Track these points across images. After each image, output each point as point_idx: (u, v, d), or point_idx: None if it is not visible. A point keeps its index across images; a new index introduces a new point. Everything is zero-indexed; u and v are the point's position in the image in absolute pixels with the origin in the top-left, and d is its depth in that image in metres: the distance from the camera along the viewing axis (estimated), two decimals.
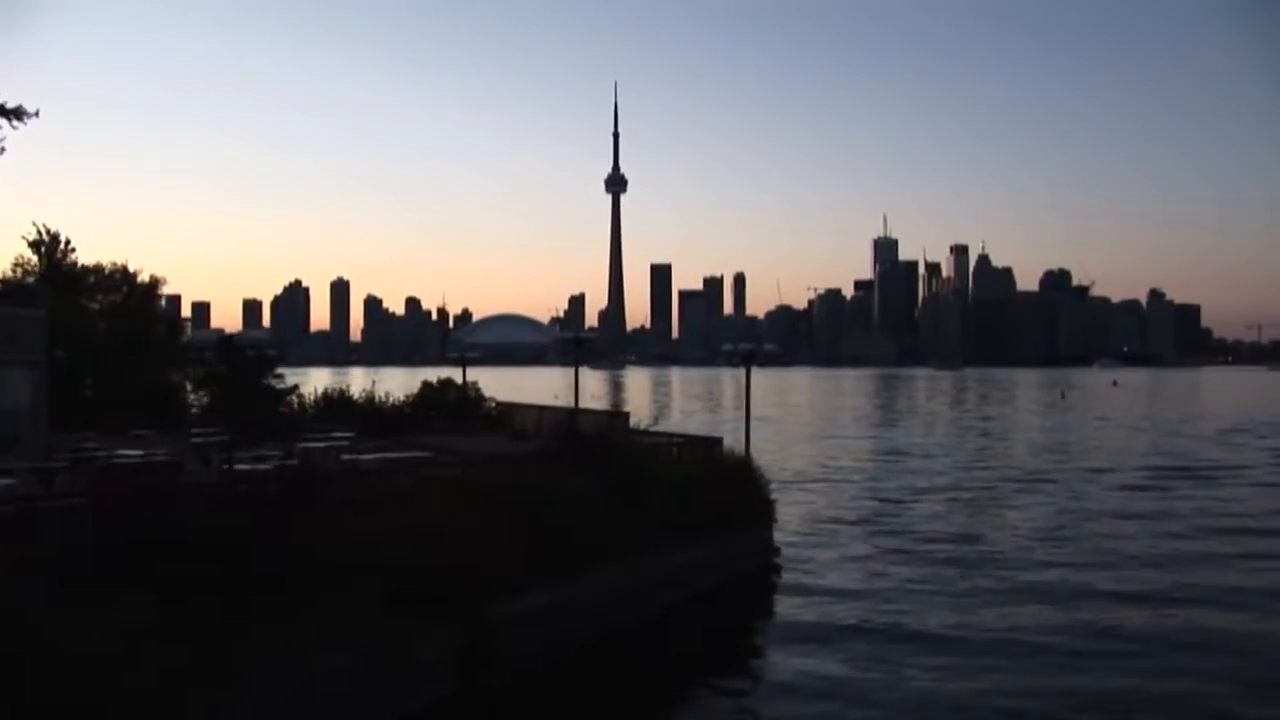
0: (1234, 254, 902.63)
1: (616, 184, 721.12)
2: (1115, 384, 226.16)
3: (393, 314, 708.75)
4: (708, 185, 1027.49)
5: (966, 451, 65.54)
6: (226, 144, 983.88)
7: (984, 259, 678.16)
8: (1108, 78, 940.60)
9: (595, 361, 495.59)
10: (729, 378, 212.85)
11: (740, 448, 32.47)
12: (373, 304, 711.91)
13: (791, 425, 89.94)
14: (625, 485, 23.37)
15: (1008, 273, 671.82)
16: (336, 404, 43.10)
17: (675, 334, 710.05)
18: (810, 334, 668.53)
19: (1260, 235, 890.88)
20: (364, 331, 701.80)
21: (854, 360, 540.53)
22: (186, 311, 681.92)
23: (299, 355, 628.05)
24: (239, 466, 23.88)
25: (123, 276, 51.95)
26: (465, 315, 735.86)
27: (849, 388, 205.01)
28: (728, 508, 26.94)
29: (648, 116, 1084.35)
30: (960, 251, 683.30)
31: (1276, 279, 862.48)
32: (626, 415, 39.18)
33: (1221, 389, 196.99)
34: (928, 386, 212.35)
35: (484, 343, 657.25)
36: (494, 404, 47.30)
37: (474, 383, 48.10)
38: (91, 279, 50.88)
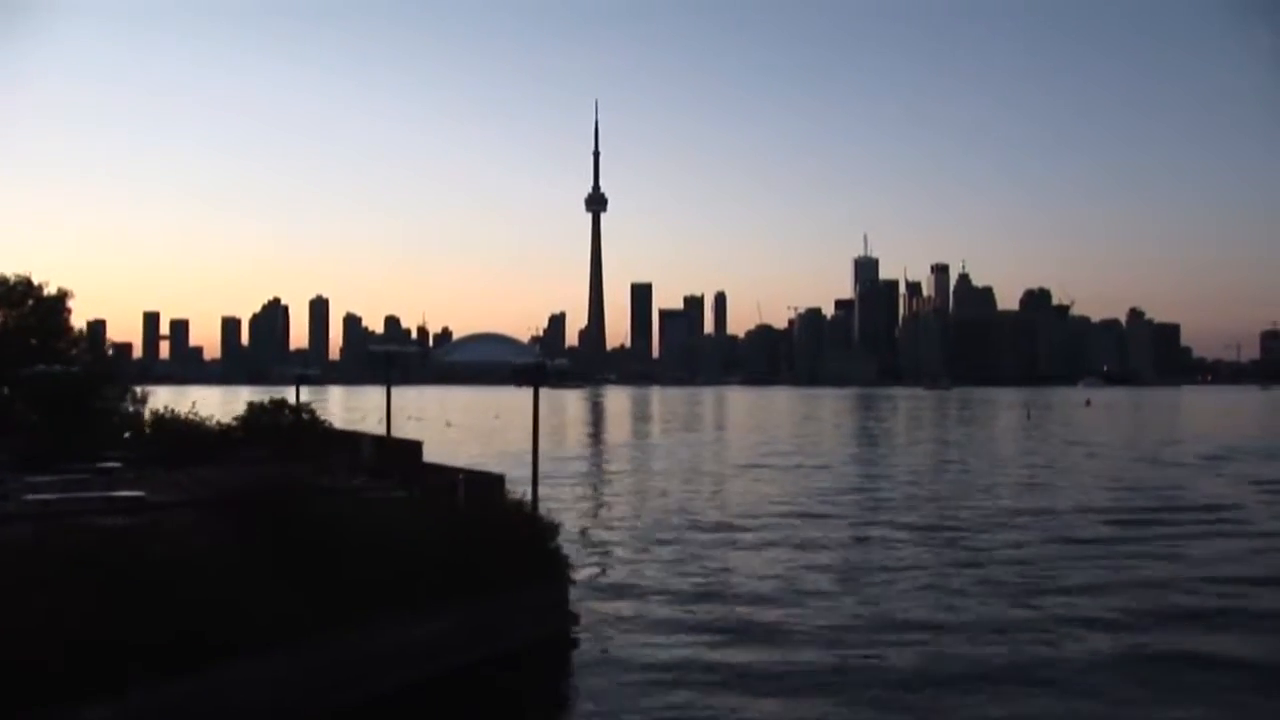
0: (1213, 273, 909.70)
1: (597, 203, 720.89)
2: (1088, 403, 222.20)
3: (372, 332, 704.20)
4: (688, 204, 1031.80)
5: (886, 488, 55.29)
6: (205, 161, 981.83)
7: (964, 278, 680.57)
8: (1087, 98, 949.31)
9: (569, 382, 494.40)
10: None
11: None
12: (352, 322, 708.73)
13: (713, 452, 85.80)
14: (310, 547, 18.82)
15: (988, 292, 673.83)
16: (166, 425, 39.48)
17: (656, 353, 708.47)
18: (791, 353, 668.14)
19: (1240, 254, 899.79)
20: (343, 350, 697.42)
21: (835, 379, 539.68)
22: (165, 329, 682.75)
23: (277, 374, 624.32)
24: None
25: (26, 289, 48.60)
26: (445, 334, 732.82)
27: (805, 408, 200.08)
28: (491, 566, 21.68)
29: (628, 135, 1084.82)
30: (941, 271, 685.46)
31: (1256, 298, 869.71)
32: (419, 445, 34.14)
33: (1199, 409, 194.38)
34: (898, 406, 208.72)
35: (463, 361, 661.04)
36: (331, 427, 43.00)
37: (308, 403, 44.09)
38: None
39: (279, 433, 39.44)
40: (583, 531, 39.43)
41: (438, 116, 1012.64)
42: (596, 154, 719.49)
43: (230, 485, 21.56)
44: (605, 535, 39.03)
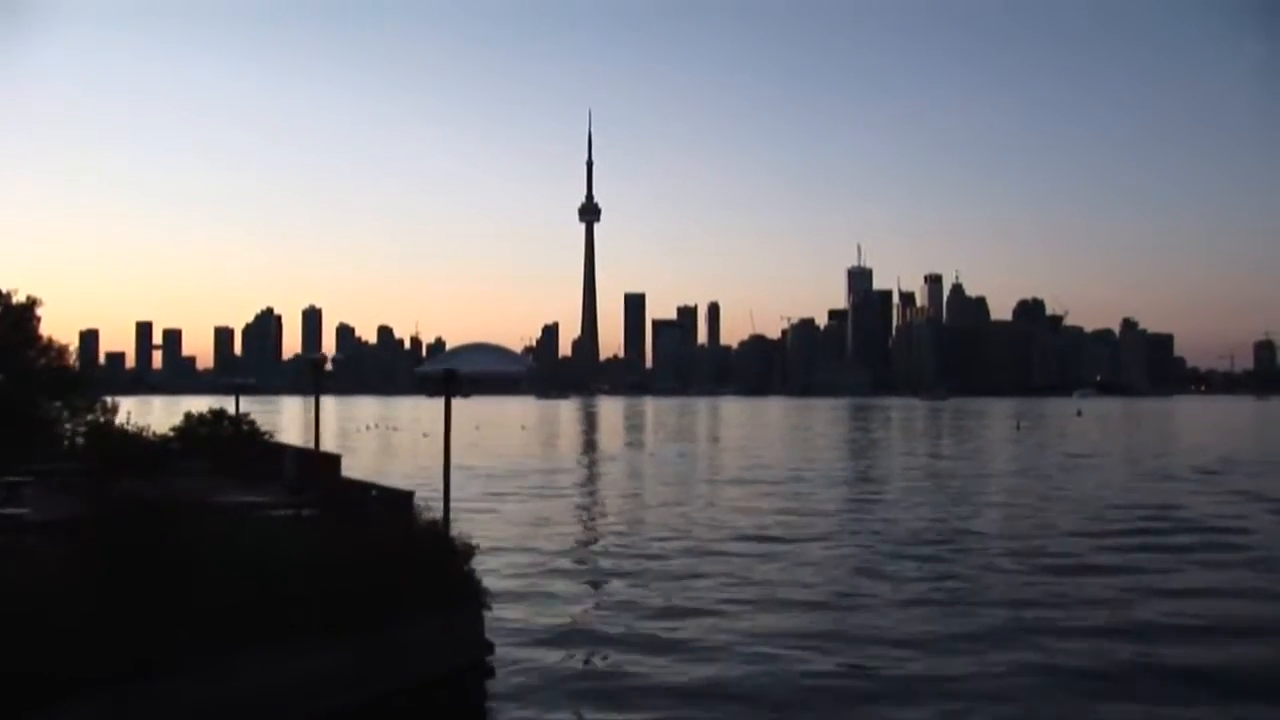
0: (1207, 284, 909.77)
1: (590, 213, 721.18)
2: (1079, 414, 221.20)
3: (365, 342, 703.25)
4: (682, 214, 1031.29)
5: (852, 509, 52.05)
6: (198, 171, 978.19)
7: (958, 288, 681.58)
8: (1081, 108, 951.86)
9: (560, 392, 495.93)
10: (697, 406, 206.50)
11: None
12: (345, 332, 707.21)
13: (692, 463, 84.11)
14: (174, 572, 16.93)
15: (981, 302, 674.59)
16: (104, 437, 37.87)
17: (649, 363, 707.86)
18: (784, 364, 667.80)
19: (1233, 265, 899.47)
20: (335, 360, 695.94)
21: (828, 390, 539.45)
22: (158, 338, 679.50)
23: (270, 384, 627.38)
24: None
25: None
26: (438, 344, 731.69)
27: (796, 419, 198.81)
28: (392, 591, 19.74)
29: (622, 145, 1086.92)
30: (934, 281, 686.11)
31: (1249, 309, 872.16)
32: (338, 459, 32.72)
33: (1193, 420, 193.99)
34: (890, 418, 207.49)
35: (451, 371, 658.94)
36: (268, 440, 41.37)
37: (247, 414, 42.42)
38: None
39: (215, 445, 38.02)
40: (524, 550, 37.85)
41: (431, 126, 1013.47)
42: (590, 164, 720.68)
43: (101, 504, 19.63)
44: (548, 558, 36.88)
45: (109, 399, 41.84)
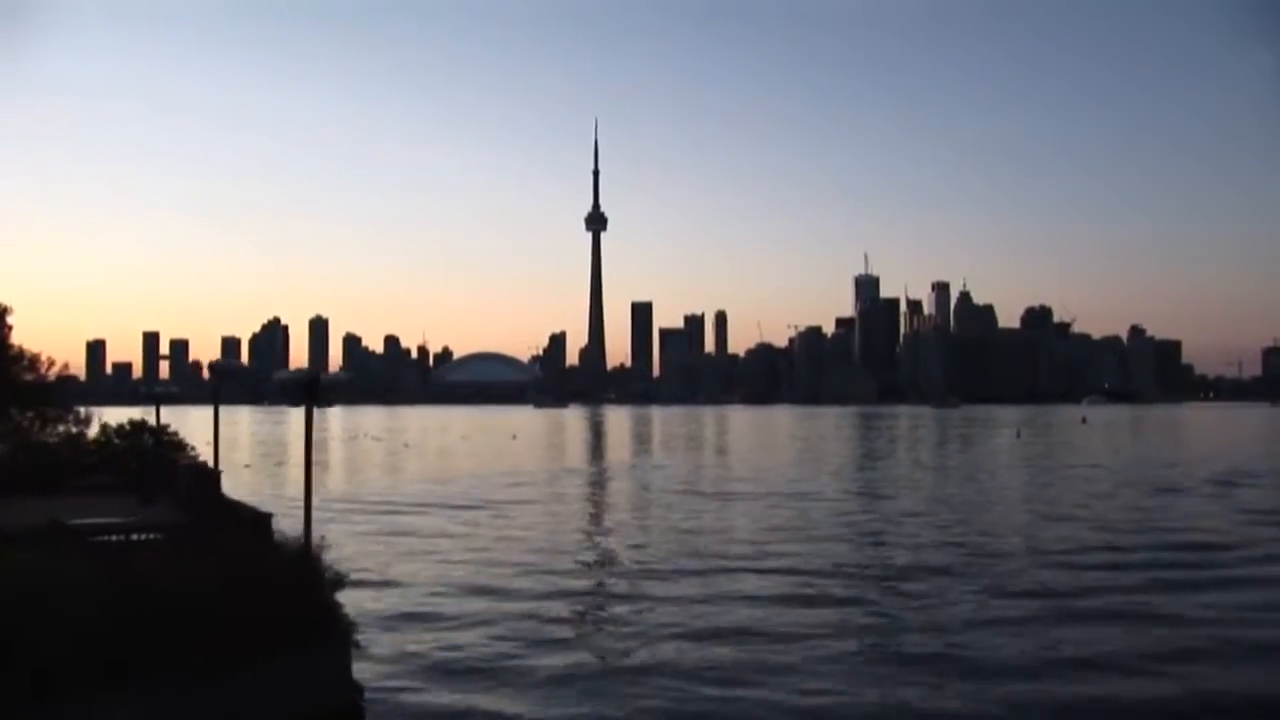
0: (1214, 290, 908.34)
1: (597, 222, 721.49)
2: (1084, 421, 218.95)
3: (372, 352, 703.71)
4: (689, 223, 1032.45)
5: (814, 523, 49.97)
6: (205, 181, 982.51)
7: (965, 296, 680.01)
8: (1088, 116, 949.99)
9: (558, 401, 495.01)
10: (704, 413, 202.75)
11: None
12: (351, 342, 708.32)
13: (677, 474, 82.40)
14: None
15: (989, 310, 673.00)
16: (31, 448, 36.82)
17: (656, 372, 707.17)
18: (791, 372, 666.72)
19: (1240, 271, 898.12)
20: (342, 369, 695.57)
21: (835, 398, 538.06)
22: (165, 348, 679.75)
23: (277, 394, 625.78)
24: None
25: None
26: (446, 353, 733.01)
27: (802, 428, 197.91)
28: (240, 628, 17.11)
29: (628, 154, 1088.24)
30: (942, 289, 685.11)
31: (1257, 315, 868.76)
32: (217, 475, 30.35)
33: (1202, 427, 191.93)
34: (893, 426, 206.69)
35: (463, 381, 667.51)
36: (196, 455, 38.74)
37: (168, 426, 39.86)
38: None
39: (130, 459, 35.72)
40: (414, 578, 34.82)
41: (438, 136, 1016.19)
42: (596, 173, 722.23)
43: None
44: (448, 587, 33.36)
45: (82, 409, 41.35)
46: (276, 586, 17.99)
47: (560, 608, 30.08)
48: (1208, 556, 39.28)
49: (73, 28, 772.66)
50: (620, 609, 30.23)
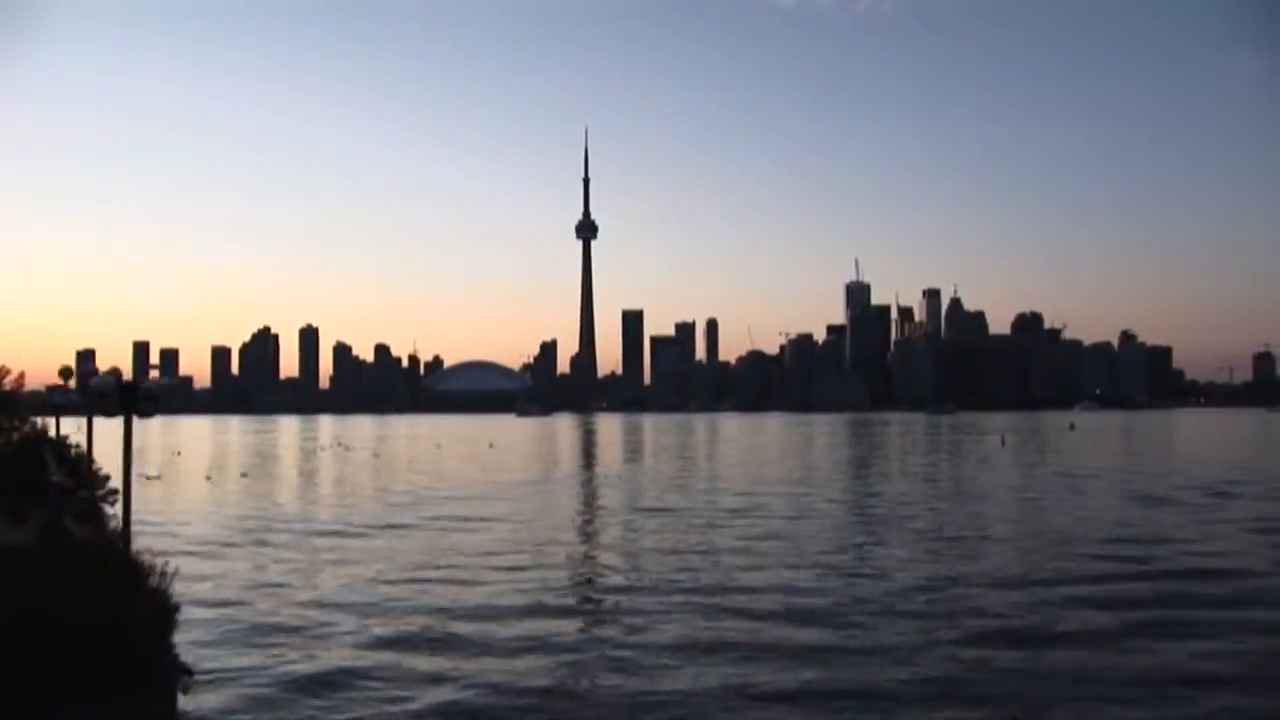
0: (1205, 296, 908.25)
1: (587, 230, 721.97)
2: (1072, 427, 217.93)
3: (362, 361, 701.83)
4: (679, 231, 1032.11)
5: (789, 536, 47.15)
6: (196, 190, 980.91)
7: (956, 303, 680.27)
8: (1079, 122, 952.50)
9: (543, 409, 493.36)
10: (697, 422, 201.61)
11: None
12: (342, 351, 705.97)
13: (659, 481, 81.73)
14: None
15: (980, 316, 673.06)
16: None
17: (647, 380, 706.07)
18: (783, 379, 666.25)
19: (1231, 277, 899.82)
20: (333, 379, 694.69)
21: (827, 405, 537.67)
22: (155, 358, 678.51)
23: (267, 403, 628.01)
24: None
25: None
26: (437, 362, 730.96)
27: (783, 436, 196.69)
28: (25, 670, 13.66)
29: (618, 162, 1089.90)
30: (932, 295, 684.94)
31: (1248, 320, 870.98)
32: (108, 492, 28.65)
33: (1193, 433, 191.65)
34: (882, 433, 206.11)
35: (454, 390, 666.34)
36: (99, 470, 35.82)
37: (67, 437, 37.32)
38: None
39: (12, 471, 34.20)
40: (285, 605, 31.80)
41: (428, 145, 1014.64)
42: (586, 181, 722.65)
43: None
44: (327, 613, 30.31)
45: (39, 420, 40.28)
46: (84, 620, 14.30)
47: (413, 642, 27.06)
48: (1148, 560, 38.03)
49: (63, 37, 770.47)
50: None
